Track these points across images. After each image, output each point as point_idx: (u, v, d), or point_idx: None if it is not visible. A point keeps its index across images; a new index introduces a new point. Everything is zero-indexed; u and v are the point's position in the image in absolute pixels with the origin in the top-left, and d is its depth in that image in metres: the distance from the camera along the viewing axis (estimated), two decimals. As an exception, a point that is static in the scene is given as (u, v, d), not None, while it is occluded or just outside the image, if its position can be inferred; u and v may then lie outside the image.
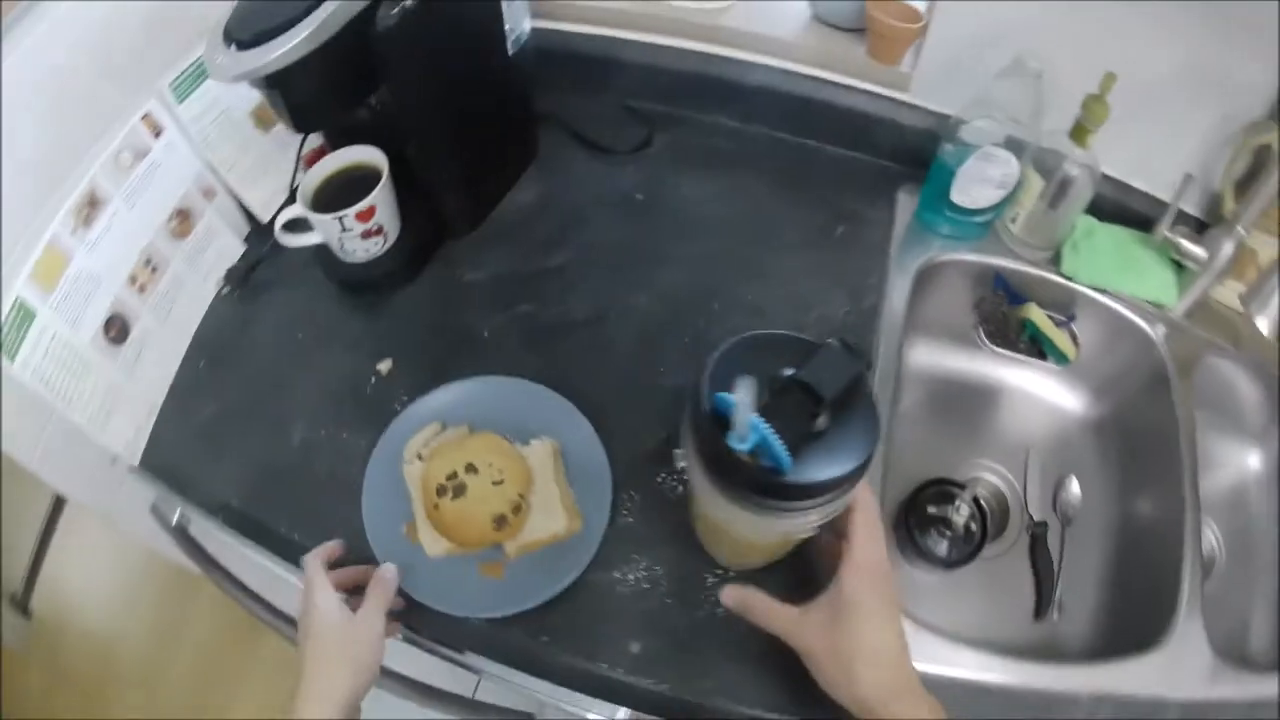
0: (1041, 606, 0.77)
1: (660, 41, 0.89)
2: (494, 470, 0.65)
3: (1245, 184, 0.76)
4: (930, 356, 0.89)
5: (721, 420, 0.44)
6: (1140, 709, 0.62)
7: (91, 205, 0.69)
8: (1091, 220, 0.82)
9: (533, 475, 0.67)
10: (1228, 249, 0.74)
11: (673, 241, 0.84)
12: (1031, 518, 0.82)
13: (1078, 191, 0.76)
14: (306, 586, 0.57)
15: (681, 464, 0.51)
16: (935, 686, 0.50)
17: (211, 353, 0.78)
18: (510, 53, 0.79)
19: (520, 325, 0.78)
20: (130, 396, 0.72)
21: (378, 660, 0.56)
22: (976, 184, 0.77)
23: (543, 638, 0.62)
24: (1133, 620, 0.73)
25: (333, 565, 0.61)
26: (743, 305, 0.79)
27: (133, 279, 0.73)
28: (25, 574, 1.60)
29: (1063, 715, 0.60)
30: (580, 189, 0.88)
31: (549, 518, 0.65)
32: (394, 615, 0.61)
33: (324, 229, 0.75)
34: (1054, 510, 0.83)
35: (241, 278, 0.82)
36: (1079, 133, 0.73)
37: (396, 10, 0.63)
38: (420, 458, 0.68)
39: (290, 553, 0.67)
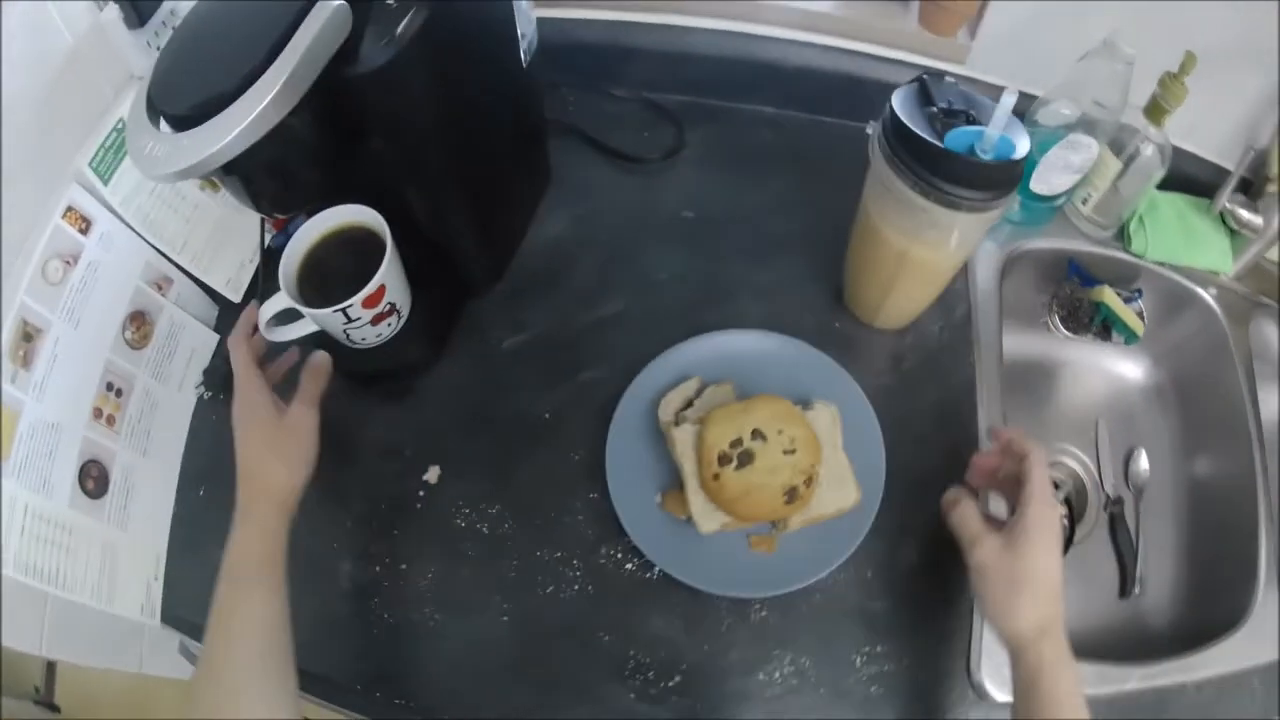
0: (1125, 585, 0.79)
1: (678, 22, 0.76)
2: (784, 439, 0.59)
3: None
4: (1006, 345, 0.85)
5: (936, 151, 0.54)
6: (1226, 683, 0.64)
7: (27, 340, 0.55)
8: (1154, 192, 0.78)
9: (820, 443, 0.62)
10: (1283, 216, 0.74)
11: (741, 265, 0.74)
12: (1109, 496, 0.82)
13: (1149, 169, 0.73)
14: (236, 382, 0.55)
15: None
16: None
17: (209, 477, 0.64)
18: (525, 63, 0.65)
19: (589, 398, 0.66)
20: (131, 551, 0.60)
21: (311, 454, 0.55)
22: (1057, 171, 0.72)
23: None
24: (1211, 591, 0.75)
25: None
26: (831, 336, 0.70)
27: (98, 413, 0.60)
28: (44, 669, 1.41)
29: (1176, 705, 0.62)
30: (614, 212, 0.76)
31: (839, 490, 0.61)
32: None
33: (323, 322, 0.59)
34: (1126, 484, 0.83)
35: (223, 378, 0.66)
36: (1155, 112, 0.69)
37: (386, 42, 0.46)
38: (684, 419, 0.62)
39: (376, 709, 0.58)
